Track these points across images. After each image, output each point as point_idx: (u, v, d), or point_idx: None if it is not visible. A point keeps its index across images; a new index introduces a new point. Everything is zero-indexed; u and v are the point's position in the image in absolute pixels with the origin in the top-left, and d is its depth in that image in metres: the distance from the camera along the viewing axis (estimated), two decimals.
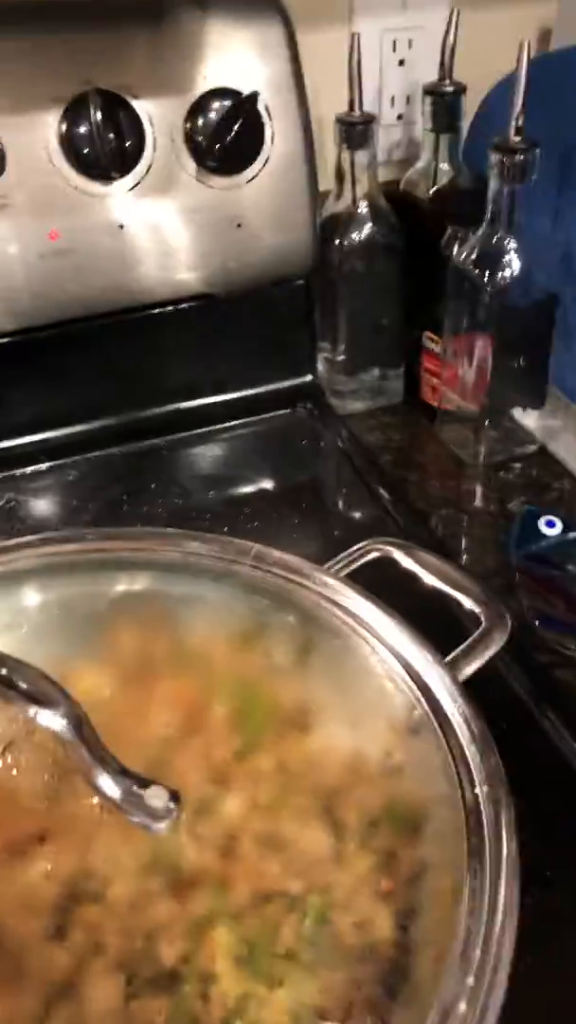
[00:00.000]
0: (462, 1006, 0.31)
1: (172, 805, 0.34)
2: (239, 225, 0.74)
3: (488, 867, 0.35)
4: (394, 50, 0.83)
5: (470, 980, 0.31)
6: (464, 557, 0.72)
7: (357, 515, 0.76)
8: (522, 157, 0.67)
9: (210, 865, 0.39)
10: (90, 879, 0.38)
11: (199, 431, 0.82)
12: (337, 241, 0.79)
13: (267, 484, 0.78)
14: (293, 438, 0.84)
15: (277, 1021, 0.34)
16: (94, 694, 0.46)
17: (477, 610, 0.47)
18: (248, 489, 0.77)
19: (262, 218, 0.74)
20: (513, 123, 0.67)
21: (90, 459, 0.79)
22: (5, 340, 0.73)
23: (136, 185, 0.70)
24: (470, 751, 0.40)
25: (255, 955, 0.36)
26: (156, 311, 0.78)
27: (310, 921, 0.37)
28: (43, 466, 0.78)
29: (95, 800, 0.36)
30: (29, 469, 0.78)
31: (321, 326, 0.85)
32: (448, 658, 0.44)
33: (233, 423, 0.83)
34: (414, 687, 0.43)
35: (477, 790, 0.38)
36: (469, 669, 0.44)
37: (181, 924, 0.37)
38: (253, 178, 0.72)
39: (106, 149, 0.67)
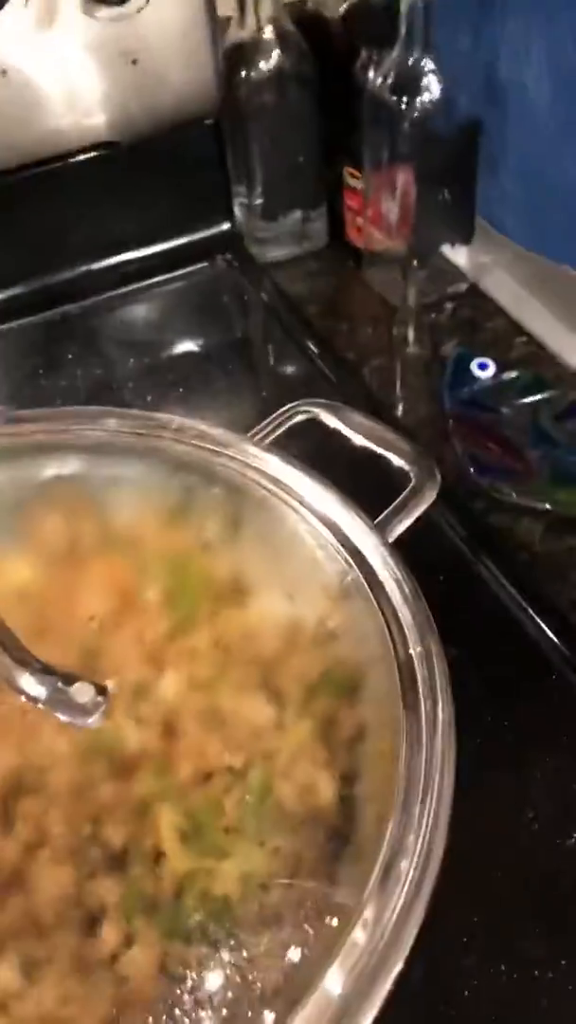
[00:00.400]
0: (403, 862, 0.32)
1: (100, 698, 0.33)
2: (134, 61, 0.68)
3: (424, 724, 0.35)
4: None
5: (411, 837, 0.32)
6: (399, 407, 0.70)
7: (286, 372, 0.74)
8: None
9: (151, 746, 0.39)
10: (30, 771, 0.38)
11: (114, 293, 0.78)
12: (243, 73, 0.73)
13: (190, 345, 0.75)
14: (214, 293, 0.80)
15: (227, 890, 0.35)
16: (21, 585, 0.45)
17: (406, 467, 0.46)
18: (170, 352, 0.74)
19: (158, 51, 0.69)
20: None
21: (1, 332, 0.75)
22: None
23: (16, 22, 0.63)
24: (402, 612, 0.39)
25: (201, 830, 0.36)
26: (56, 164, 0.72)
27: (253, 792, 0.37)
28: None
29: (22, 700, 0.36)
30: None
31: (234, 169, 0.80)
32: (377, 520, 0.43)
33: (149, 281, 0.79)
34: (344, 552, 0.42)
35: (411, 650, 0.37)
36: (399, 528, 0.44)
37: (125, 806, 0.37)
38: (144, 6, 0.66)
39: None
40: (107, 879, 0.35)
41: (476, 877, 0.42)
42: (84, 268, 0.78)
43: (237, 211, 0.83)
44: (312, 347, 0.74)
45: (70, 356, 0.73)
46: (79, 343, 0.74)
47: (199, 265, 0.81)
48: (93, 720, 0.33)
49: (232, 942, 0.34)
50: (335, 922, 0.33)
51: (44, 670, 0.33)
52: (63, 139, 0.70)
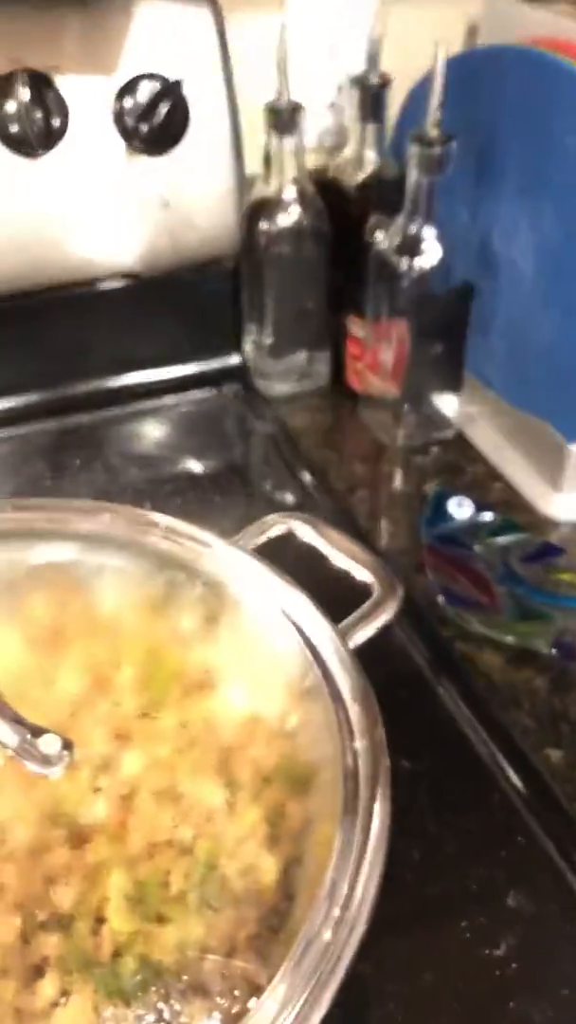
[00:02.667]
0: (327, 934, 0.34)
1: (65, 752, 0.36)
2: (167, 205, 0.76)
3: (360, 817, 0.38)
4: (325, 39, 0.85)
5: (336, 911, 0.34)
6: (381, 536, 0.74)
7: (278, 496, 0.78)
8: (439, 150, 0.70)
9: (108, 816, 0.41)
10: None
11: (125, 409, 0.84)
12: (264, 225, 0.81)
13: (191, 464, 0.80)
14: (219, 419, 0.86)
15: (163, 955, 0.37)
16: (4, 658, 0.48)
17: (370, 580, 0.49)
18: (172, 468, 0.79)
19: (189, 199, 0.76)
20: (431, 117, 0.70)
21: (14, 435, 0.80)
22: None
23: (63, 163, 0.71)
24: (353, 712, 0.42)
25: (146, 897, 0.38)
26: (84, 289, 0.79)
27: (199, 867, 0.39)
28: None
29: None
30: None
31: (248, 309, 0.87)
32: (340, 625, 0.47)
33: (159, 402, 0.85)
34: (308, 653, 0.46)
35: (356, 744, 0.40)
36: (360, 636, 0.47)
37: (78, 869, 0.39)
38: (180, 160, 0.74)
39: (34, 127, 0.68)
40: (52, 935, 0.37)
41: (404, 978, 0.44)
42: (99, 384, 0.84)
43: (247, 347, 0.89)
44: (306, 475, 0.79)
45: (77, 462, 0.78)
46: (86, 452, 0.79)
47: (207, 392, 0.87)
48: (56, 771, 0.36)
49: (159, 1006, 0.35)
50: (253, 1000, 0.35)
51: (16, 720, 0.36)
52: (93, 266, 0.77)
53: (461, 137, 0.71)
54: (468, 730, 0.56)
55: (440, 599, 0.66)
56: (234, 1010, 0.35)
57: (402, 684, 0.58)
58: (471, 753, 0.55)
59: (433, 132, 0.70)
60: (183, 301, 0.83)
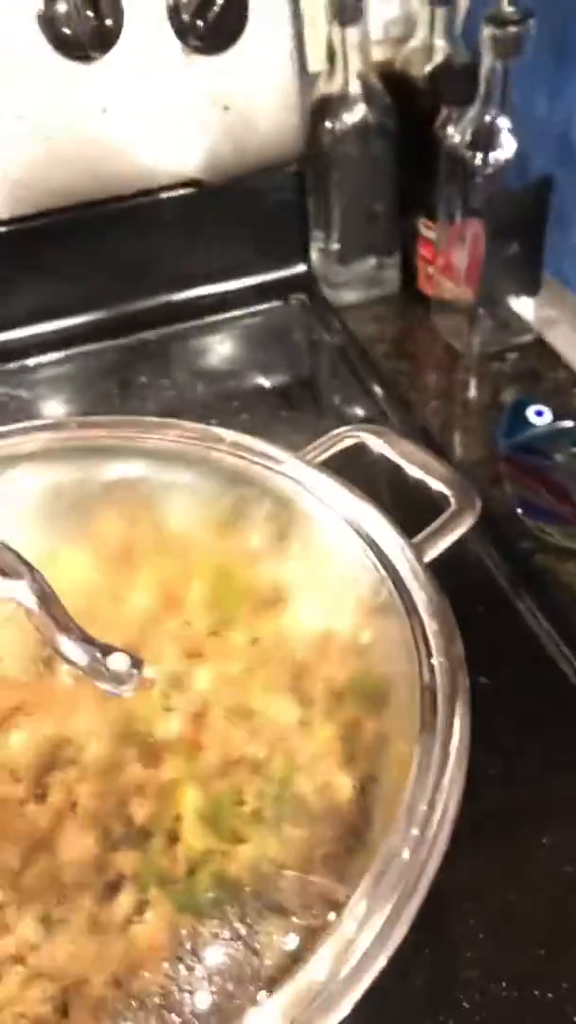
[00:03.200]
0: (406, 853, 0.33)
1: (134, 670, 0.35)
2: (226, 107, 0.73)
3: (439, 735, 0.37)
4: None
5: (414, 831, 0.33)
6: (456, 448, 0.72)
7: (349, 409, 0.76)
8: (515, 29, 0.65)
9: (181, 733, 0.41)
10: (67, 746, 0.40)
11: (190, 324, 0.82)
12: (328, 124, 0.77)
13: (259, 378, 0.78)
14: (286, 331, 0.83)
15: (239, 873, 0.36)
16: (75, 576, 0.48)
17: (446, 492, 0.48)
18: (239, 383, 0.78)
19: (250, 100, 0.73)
20: None
21: (82, 353, 0.80)
22: None
23: (118, 66, 0.68)
24: (430, 627, 0.41)
25: (220, 815, 0.38)
26: (145, 199, 0.77)
27: (273, 784, 0.39)
28: (34, 360, 0.79)
29: (66, 672, 0.38)
30: (19, 363, 0.78)
31: (314, 214, 0.83)
32: (415, 539, 0.45)
33: (225, 315, 0.83)
34: (381, 568, 0.44)
35: (433, 660, 0.39)
36: (436, 550, 0.45)
37: (151, 786, 0.39)
38: (238, 58, 0.70)
39: (86, 28, 0.65)
40: (128, 851, 0.37)
41: (485, 895, 0.43)
42: (164, 298, 0.82)
43: (314, 255, 0.86)
44: (376, 387, 0.77)
45: (143, 379, 0.77)
46: (153, 368, 0.78)
47: (274, 303, 0.85)
48: (127, 689, 0.35)
49: (235, 923, 0.35)
50: (332, 916, 0.35)
51: (85, 639, 0.36)
52: (154, 175, 0.75)
53: (539, 16, 0.65)
54: (549, 645, 0.55)
55: (519, 511, 0.63)
56: (312, 928, 0.34)
57: (479, 599, 0.56)
58: (552, 668, 0.54)
59: (509, 10, 0.65)
60: (247, 208, 0.80)
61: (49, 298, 0.79)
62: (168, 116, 0.72)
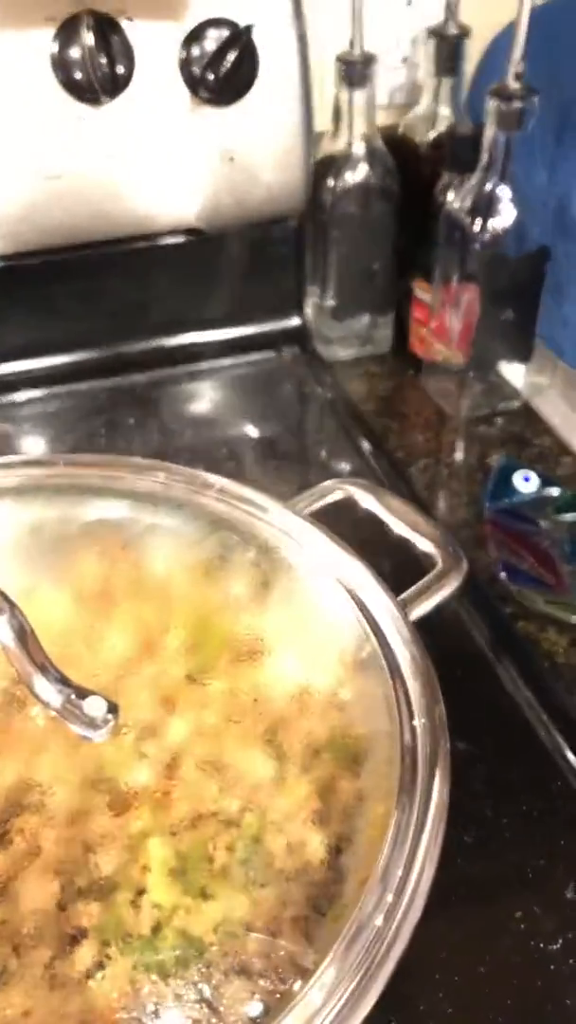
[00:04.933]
0: (379, 920, 0.32)
1: (110, 715, 0.34)
2: (232, 159, 0.73)
3: (417, 799, 0.36)
4: None
5: (389, 897, 0.32)
6: (440, 508, 0.72)
7: (335, 463, 0.76)
8: (519, 104, 0.66)
9: (152, 783, 0.40)
10: (33, 790, 0.39)
11: (182, 369, 0.82)
12: (331, 182, 0.78)
13: (247, 427, 0.78)
14: (277, 382, 0.83)
15: (204, 932, 0.35)
16: (53, 616, 0.47)
17: (433, 552, 0.47)
18: (228, 431, 0.78)
19: (255, 153, 0.73)
20: (512, 69, 0.66)
21: (71, 391, 0.79)
22: None
23: (127, 112, 0.69)
24: (413, 688, 0.40)
25: (188, 869, 0.37)
26: (144, 244, 0.77)
27: (244, 840, 0.38)
28: (23, 396, 0.79)
29: (37, 712, 0.37)
30: (8, 398, 0.78)
31: (311, 269, 0.84)
32: (401, 597, 0.45)
33: (217, 363, 0.83)
34: (366, 623, 0.44)
35: (415, 721, 0.38)
36: (421, 609, 0.45)
37: (119, 837, 0.38)
38: (247, 112, 0.71)
39: (98, 73, 0.66)
40: (91, 902, 0.36)
41: (454, 966, 0.42)
42: (157, 342, 0.82)
43: (308, 309, 0.87)
44: (364, 443, 0.77)
45: (131, 421, 0.77)
46: (142, 411, 0.78)
47: (266, 354, 0.85)
48: (101, 734, 0.34)
49: (199, 984, 0.34)
50: (296, 983, 0.33)
51: (61, 680, 0.35)
52: (155, 220, 0.75)
53: (541, 93, 0.67)
54: (529, 713, 0.54)
55: (502, 575, 0.63)
56: (277, 993, 0.33)
57: (460, 662, 0.56)
58: (531, 737, 0.53)
59: (514, 85, 0.67)
60: (245, 259, 0.81)
61: (41, 334, 0.79)
62: (173, 163, 0.72)
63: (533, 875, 0.46)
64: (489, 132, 0.69)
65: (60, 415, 0.77)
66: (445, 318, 0.79)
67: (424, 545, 0.48)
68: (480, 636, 0.59)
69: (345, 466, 0.75)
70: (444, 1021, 0.40)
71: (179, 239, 0.77)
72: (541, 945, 0.43)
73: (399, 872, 0.33)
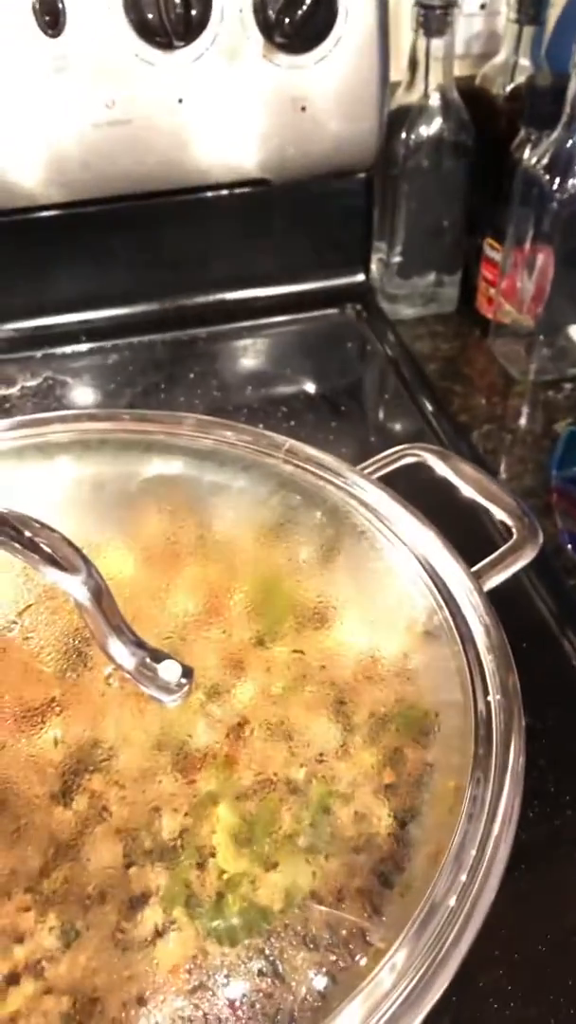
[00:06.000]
0: (452, 900, 0.31)
1: (184, 680, 0.34)
2: (303, 108, 0.71)
3: (492, 775, 0.35)
4: None
5: (463, 877, 0.32)
6: (503, 475, 0.70)
7: (397, 425, 0.75)
8: None
9: (218, 746, 0.39)
10: (99, 749, 0.39)
11: (243, 324, 0.81)
12: (404, 135, 0.76)
13: (308, 385, 0.77)
14: (339, 340, 0.82)
15: (269, 900, 0.35)
16: (117, 573, 0.46)
17: (509, 522, 0.46)
18: (288, 388, 0.76)
19: (328, 103, 0.71)
20: None
21: (131, 344, 0.78)
22: (52, 213, 0.72)
23: (199, 57, 0.67)
24: (487, 660, 0.39)
25: (254, 836, 0.36)
26: (209, 194, 0.75)
27: (311, 808, 0.37)
28: (83, 347, 0.78)
29: (110, 672, 0.37)
30: (69, 349, 0.77)
31: (379, 225, 0.82)
32: (475, 568, 0.43)
33: (278, 319, 0.82)
34: (437, 593, 0.43)
35: (490, 698, 0.37)
36: (495, 580, 0.44)
37: (184, 800, 0.37)
38: (322, 59, 0.69)
39: (171, 15, 0.64)
40: (156, 866, 0.35)
41: (521, 947, 0.41)
42: (218, 296, 0.81)
43: (374, 266, 0.85)
44: (427, 404, 0.75)
45: (191, 376, 0.76)
46: (202, 365, 0.77)
47: (329, 311, 0.83)
48: (175, 699, 0.34)
49: (263, 953, 0.34)
50: (363, 960, 0.33)
51: (137, 642, 0.34)
52: (221, 170, 0.73)
53: None
54: None
55: (568, 546, 0.61)
56: (345, 968, 0.32)
57: (524, 634, 0.54)
58: None
59: None
60: (311, 213, 0.79)
61: (103, 286, 0.78)
62: (243, 112, 0.70)
63: None
64: (573, 85, 0.66)
65: (119, 368, 0.76)
66: (516, 279, 0.76)
67: (500, 515, 0.46)
68: (545, 608, 0.58)
69: (406, 428, 0.74)
70: (504, 998, 0.40)
71: (246, 189, 0.75)
72: None
73: (473, 851, 0.32)
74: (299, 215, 0.79)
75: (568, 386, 0.77)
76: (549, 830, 0.46)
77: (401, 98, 0.76)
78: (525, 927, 0.42)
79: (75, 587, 0.35)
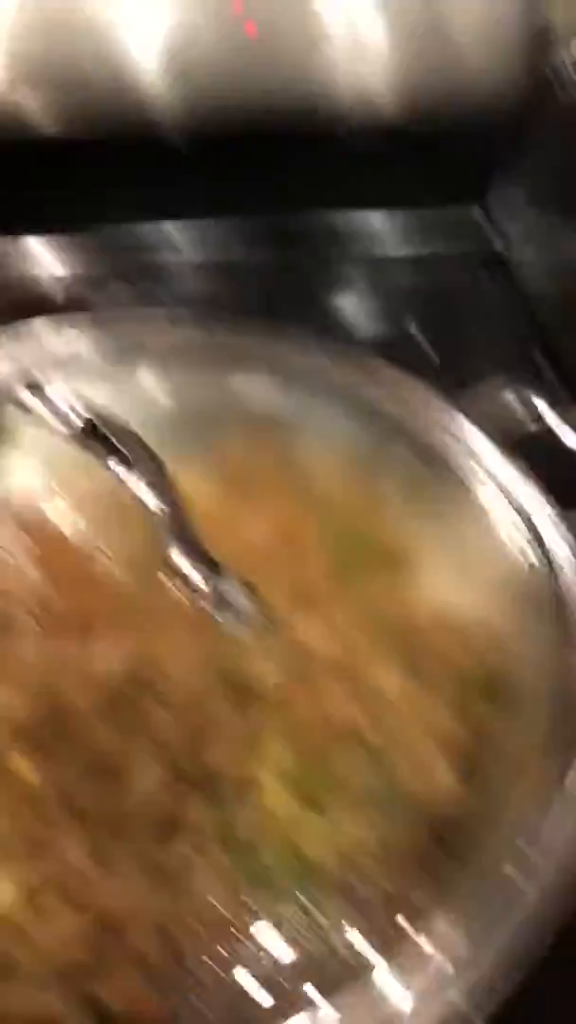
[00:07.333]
0: (513, 874, 0.28)
1: (251, 604, 0.31)
2: (433, 28, 0.66)
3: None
4: None
5: (535, 863, 0.29)
6: None
7: (506, 373, 0.70)
8: None
9: (277, 680, 0.37)
10: (151, 666, 0.37)
11: (352, 250, 0.77)
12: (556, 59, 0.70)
13: (413, 322, 0.72)
14: (453, 278, 0.77)
15: (312, 846, 0.32)
16: (195, 494, 0.44)
17: None
18: (393, 324, 0.72)
19: (461, 22, 0.66)
20: None
21: (230, 261, 0.75)
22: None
23: None
24: None
25: (305, 778, 0.34)
26: (326, 118, 0.71)
27: (368, 756, 0.34)
28: (179, 259, 0.75)
29: (174, 588, 0.35)
30: (166, 258, 0.74)
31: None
32: None
33: (390, 250, 0.77)
34: (533, 546, 0.39)
35: None
36: None
37: (235, 731, 0.35)
38: None
39: None
40: (196, 796, 0.33)
41: None
42: (327, 219, 0.77)
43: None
44: (539, 357, 0.70)
45: (289, 303, 0.72)
46: (301, 291, 0.73)
47: (442, 245, 0.79)
48: (239, 623, 0.31)
49: (298, 901, 0.31)
50: (406, 923, 0.30)
51: (206, 560, 0.32)
52: (345, 90, 0.69)
53: None
54: None
55: None
56: (392, 935, 0.30)
57: None
58: None
59: None
60: (434, 142, 0.74)
61: (208, 196, 0.74)
62: (366, 31, 0.66)
63: None
64: None
65: (216, 285, 0.73)
66: None
67: None
68: None
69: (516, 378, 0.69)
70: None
71: (368, 111, 0.71)
72: None
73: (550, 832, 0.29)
74: (424, 143, 0.75)
75: None
76: None
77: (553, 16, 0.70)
78: None
79: (151, 496, 0.33)
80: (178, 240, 0.75)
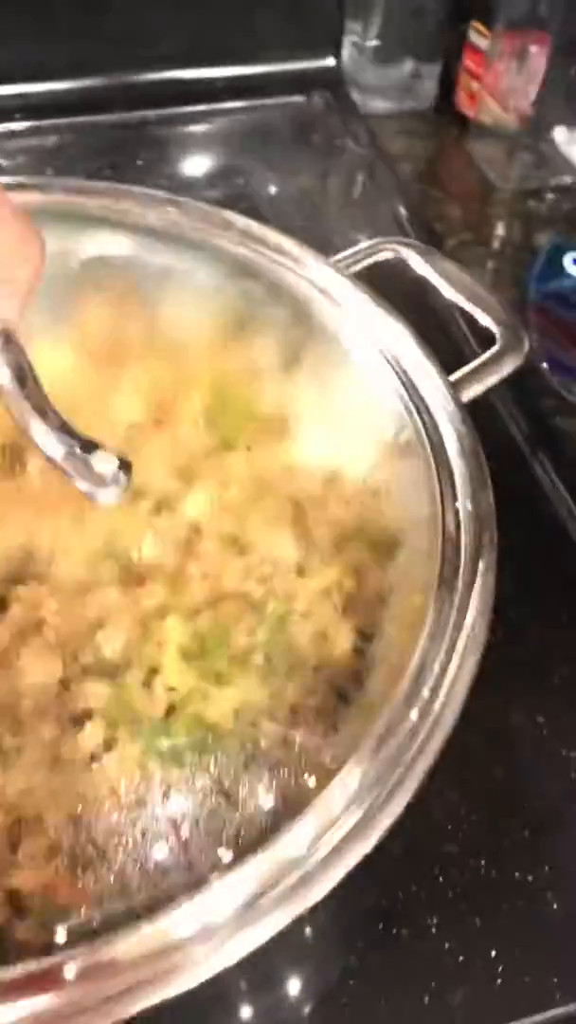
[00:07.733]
0: (413, 714, 0.29)
1: (121, 473, 0.30)
2: None
3: (459, 590, 0.32)
4: None
5: (425, 691, 0.29)
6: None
7: (366, 229, 0.68)
8: None
9: (168, 559, 0.36)
10: (35, 557, 0.35)
11: (197, 107, 0.72)
12: None
13: (269, 177, 0.70)
14: (304, 130, 0.74)
15: (220, 718, 0.32)
16: (55, 370, 0.41)
17: (494, 329, 0.42)
18: (247, 180, 0.69)
19: None
20: None
21: (72, 124, 0.70)
22: None
23: None
24: (459, 471, 0.36)
25: (205, 652, 0.34)
26: None
27: (266, 625, 0.34)
28: (20, 125, 0.69)
29: (37, 469, 0.33)
30: (3, 127, 0.68)
31: (353, 2, 0.73)
32: (453, 376, 0.39)
33: (237, 103, 0.73)
34: (410, 402, 0.38)
35: (459, 507, 0.34)
36: (472, 392, 0.40)
37: (129, 614, 0.34)
38: None
39: None
40: (97, 682, 0.33)
41: (474, 770, 0.40)
42: (172, 74, 0.72)
43: (346, 50, 0.76)
44: (401, 209, 0.69)
45: (139, 163, 0.68)
46: (152, 152, 0.69)
47: (294, 98, 0.75)
48: (110, 495, 0.30)
49: (210, 771, 0.31)
50: (313, 780, 0.31)
51: (65, 429, 0.30)
52: None
53: None
54: (562, 510, 0.50)
55: (544, 365, 0.57)
56: (294, 784, 0.30)
57: (494, 455, 0.51)
58: (564, 536, 0.49)
59: None
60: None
61: (42, 55, 0.68)
62: None
63: (559, 681, 0.43)
64: None
65: (60, 151, 0.68)
66: (502, 70, 0.69)
67: (483, 320, 0.42)
68: (517, 429, 0.55)
69: (375, 232, 0.68)
70: (458, 822, 0.39)
71: None
72: (563, 751, 0.41)
73: (436, 667, 0.30)
74: None
75: (551, 196, 0.71)
76: (510, 657, 0.44)
77: None
78: (482, 752, 0.41)
79: None
80: (14, 109, 0.69)
